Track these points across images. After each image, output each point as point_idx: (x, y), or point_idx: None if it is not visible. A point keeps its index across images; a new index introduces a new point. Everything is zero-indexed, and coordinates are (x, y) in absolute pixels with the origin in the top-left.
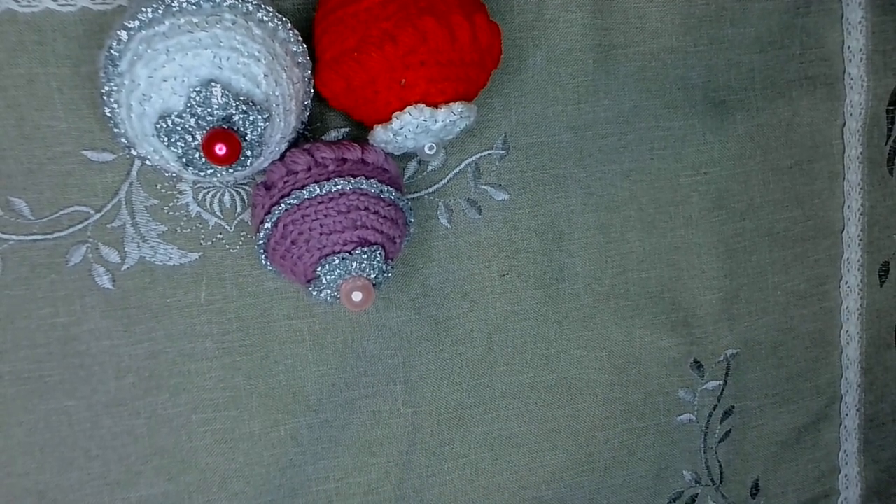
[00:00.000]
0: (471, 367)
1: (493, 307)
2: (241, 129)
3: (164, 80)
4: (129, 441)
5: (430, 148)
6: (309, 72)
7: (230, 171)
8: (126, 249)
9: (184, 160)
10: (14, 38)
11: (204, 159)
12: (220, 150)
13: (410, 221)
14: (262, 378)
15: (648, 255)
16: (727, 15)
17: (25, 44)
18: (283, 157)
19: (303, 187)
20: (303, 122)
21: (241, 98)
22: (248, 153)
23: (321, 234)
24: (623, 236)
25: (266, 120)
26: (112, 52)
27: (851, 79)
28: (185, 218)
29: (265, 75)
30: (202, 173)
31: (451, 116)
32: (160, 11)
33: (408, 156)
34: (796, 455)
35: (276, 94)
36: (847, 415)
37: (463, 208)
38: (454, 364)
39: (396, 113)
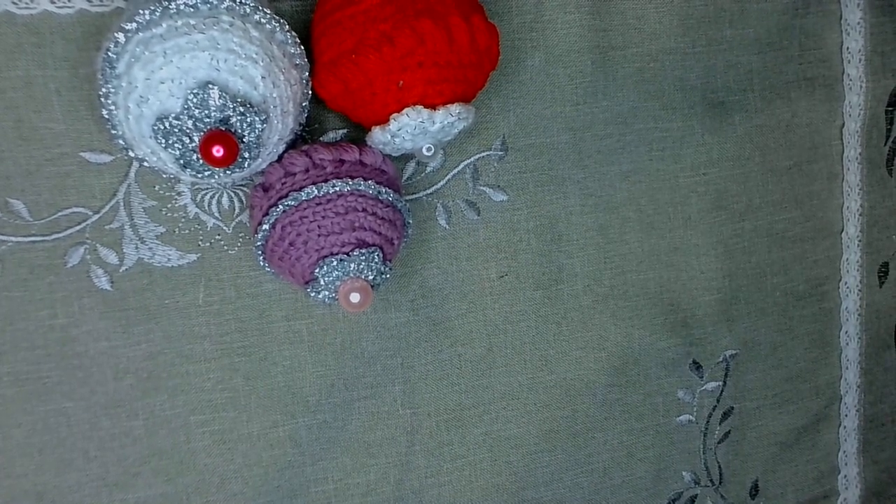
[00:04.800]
0: (470, 368)
1: (491, 308)
2: (239, 130)
3: (162, 82)
4: (127, 442)
5: (429, 149)
6: (307, 73)
7: (228, 172)
8: (124, 251)
9: (181, 162)
10: (12, 40)
11: (201, 161)
12: (218, 151)
13: (409, 223)
14: (261, 379)
15: (647, 256)
16: (726, 16)
17: (23, 46)
18: (280, 158)
19: (301, 189)
20: (301, 124)
21: (239, 100)
22: (246, 155)
23: (319, 235)
24: (622, 237)
25: (263, 122)
26: (109, 54)
27: (850, 80)
28: (183, 219)
29: (263, 77)
30: (200, 175)
31: (449, 118)
32: (157, 13)
33: (406, 157)
34: (796, 456)
35: (274, 95)
36: (846, 415)
37: (461, 209)
38: (453, 365)
39: (394, 114)
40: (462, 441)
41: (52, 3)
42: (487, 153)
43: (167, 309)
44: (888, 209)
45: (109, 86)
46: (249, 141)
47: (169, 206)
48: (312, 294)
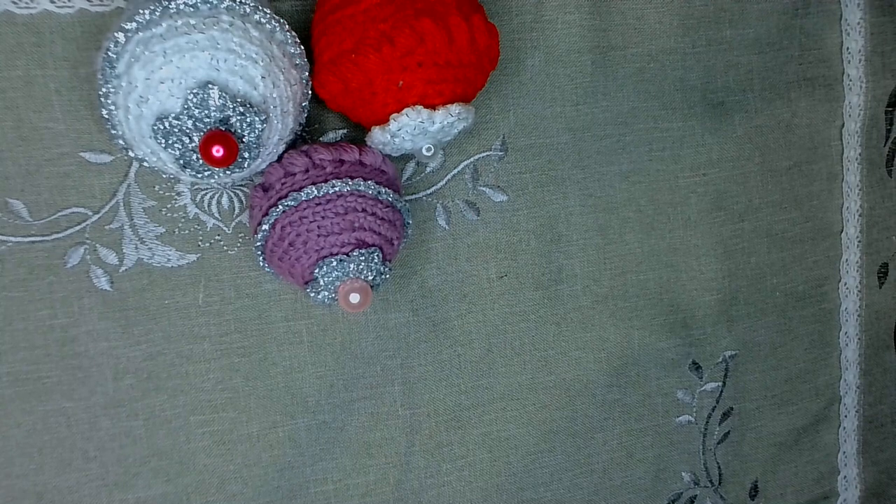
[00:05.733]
0: (469, 368)
1: (491, 308)
2: (239, 130)
3: (162, 82)
4: (127, 442)
5: (428, 149)
6: (307, 73)
7: (228, 172)
8: (124, 251)
9: (181, 162)
10: (12, 39)
11: (201, 161)
12: (218, 151)
13: (408, 223)
14: (261, 379)
15: (647, 257)
16: (726, 16)
17: (23, 45)
18: (280, 158)
19: (300, 189)
20: (300, 124)
21: (239, 100)
22: (246, 155)
23: (319, 235)
24: (622, 238)
25: (263, 122)
26: (109, 53)
27: (850, 80)
28: (182, 219)
29: (262, 77)
30: (199, 175)
31: (449, 118)
32: (157, 13)
33: (406, 157)
34: (795, 456)
35: (274, 95)
36: (846, 416)
37: (461, 210)
38: (452, 365)
39: (394, 114)
40: (461, 441)
41: (52, 2)
42: (487, 153)
43: (167, 309)
44: (888, 209)
45: (109, 86)
46: (249, 141)
47: (169, 206)
48: (312, 294)
